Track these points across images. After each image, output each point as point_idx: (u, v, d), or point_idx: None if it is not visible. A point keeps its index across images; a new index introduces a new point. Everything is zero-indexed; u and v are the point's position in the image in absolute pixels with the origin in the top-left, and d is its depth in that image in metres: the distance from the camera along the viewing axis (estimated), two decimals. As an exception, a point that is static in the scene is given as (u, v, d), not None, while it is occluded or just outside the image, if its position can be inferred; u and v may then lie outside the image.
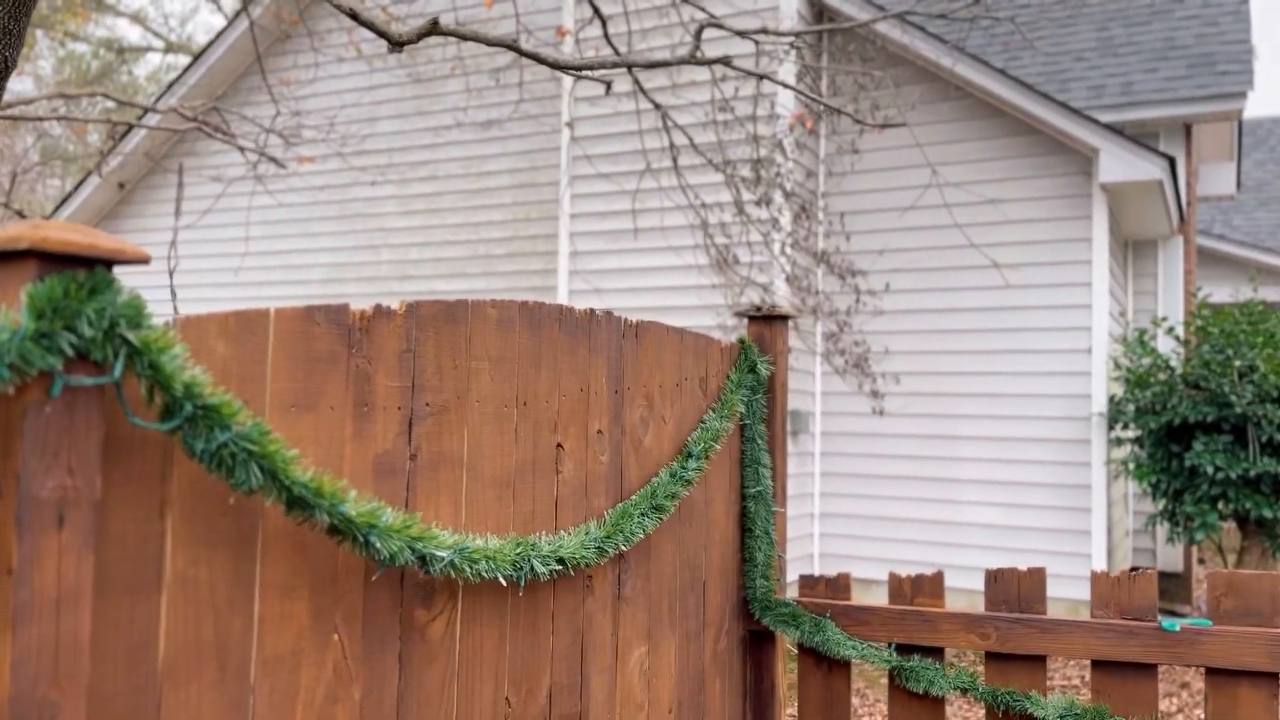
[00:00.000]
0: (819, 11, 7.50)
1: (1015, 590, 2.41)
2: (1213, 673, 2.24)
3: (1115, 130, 6.57)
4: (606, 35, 4.35)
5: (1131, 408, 6.57)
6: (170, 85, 9.70)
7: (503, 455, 1.74)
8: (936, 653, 2.49)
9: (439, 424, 1.59)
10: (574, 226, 7.71)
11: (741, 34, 4.08)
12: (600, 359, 2.03)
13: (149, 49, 23.41)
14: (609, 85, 3.82)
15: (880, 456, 7.27)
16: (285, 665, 1.32)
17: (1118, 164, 6.50)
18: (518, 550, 1.66)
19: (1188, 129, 8.53)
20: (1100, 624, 2.29)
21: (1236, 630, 2.20)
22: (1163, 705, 5.32)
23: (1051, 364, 6.80)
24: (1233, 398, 5.99)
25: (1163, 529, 8.31)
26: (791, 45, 4.25)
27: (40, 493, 0.99)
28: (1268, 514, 5.95)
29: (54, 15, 20.71)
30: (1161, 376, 6.55)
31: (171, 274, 4.14)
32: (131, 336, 1.05)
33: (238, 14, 9.46)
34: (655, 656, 2.23)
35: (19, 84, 21.39)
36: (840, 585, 2.62)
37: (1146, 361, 6.77)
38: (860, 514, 7.30)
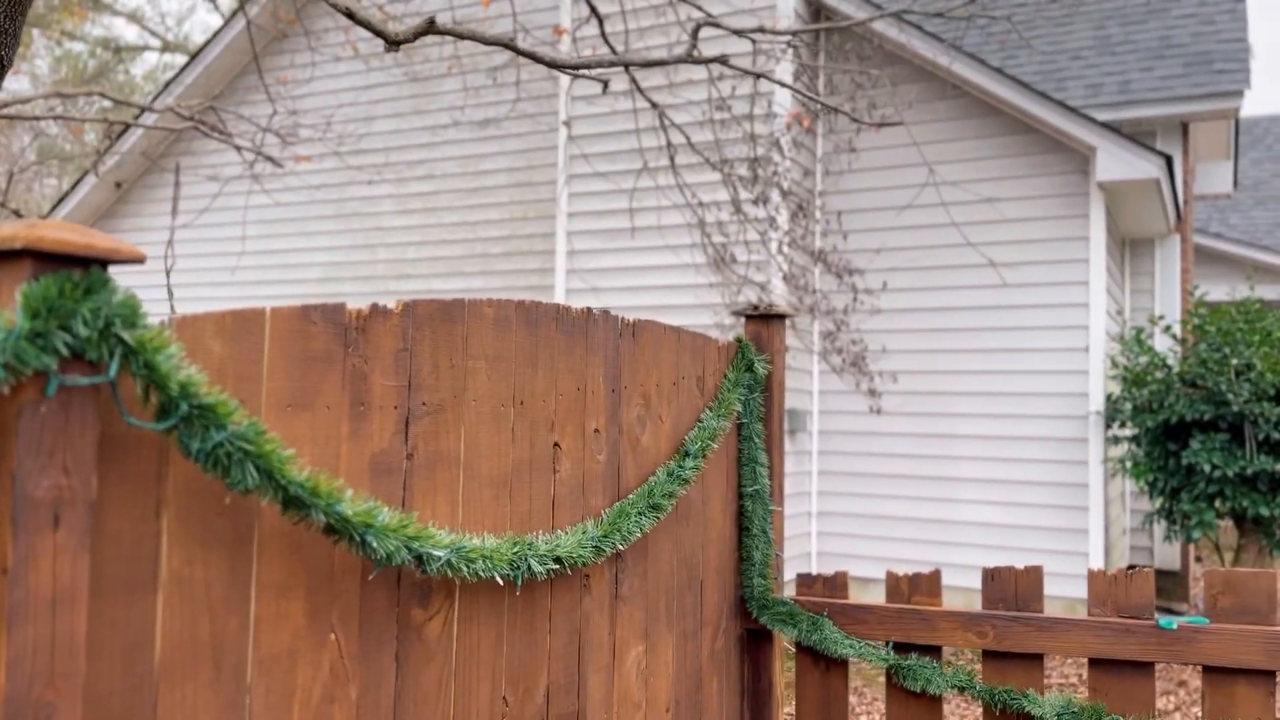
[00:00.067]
0: (816, 10, 7.50)
1: (1012, 589, 2.41)
2: (1210, 671, 2.25)
3: (1112, 129, 6.57)
4: (604, 34, 4.35)
5: (1129, 406, 6.58)
6: (167, 84, 9.69)
7: (500, 454, 1.74)
8: (934, 651, 2.49)
9: (436, 423, 1.59)
10: (571, 225, 7.71)
11: (739, 33, 4.08)
12: (597, 358, 2.03)
13: (146, 48, 23.38)
14: (606, 84, 3.82)
15: (878, 455, 7.27)
16: (282, 665, 1.31)
17: (1115, 163, 6.51)
18: (515, 549, 1.66)
19: (1185, 128, 8.54)
20: (1097, 622, 2.29)
21: (1233, 628, 2.21)
22: (1160, 703, 5.33)
23: (1049, 363, 6.81)
24: (1230, 396, 6.00)
25: (1160, 527, 8.32)
26: (789, 44, 4.25)
27: (35, 492, 0.99)
28: (1265, 512, 5.95)
29: (51, 14, 20.68)
30: (1159, 375, 6.56)
31: (168, 273, 4.14)
32: (127, 336, 1.05)
33: (234, 13, 9.45)
34: (653, 655, 2.23)
35: (15, 83, 21.35)
36: (838, 584, 2.62)
37: (1144, 360, 6.77)
38: (858, 513, 7.30)
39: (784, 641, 2.73)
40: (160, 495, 1.16)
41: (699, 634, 2.44)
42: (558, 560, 1.78)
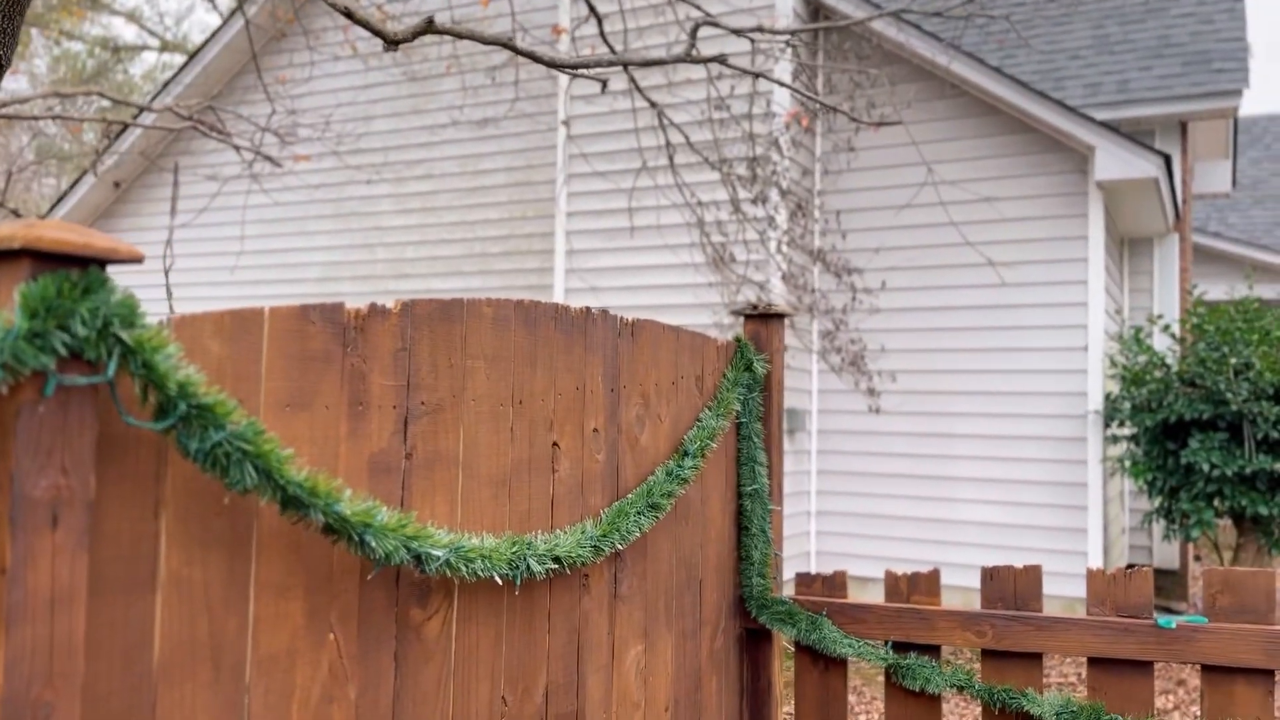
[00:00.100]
0: (815, 10, 7.50)
1: (1011, 588, 2.41)
2: (1208, 670, 2.25)
3: (1111, 128, 6.58)
4: (602, 34, 4.35)
5: (1127, 405, 6.58)
6: (166, 84, 9.69)
7: (498, 454, 1.73)
8: (933, 650, 2.49)
9: (434, 423, 1.59)
10: (570, 225, 7.71)
11: (737, 32, 4.08)
12: (596, 357, 2.03)
13: (144, 48, 23.37)
14: (605, 84, 3.82)
15: (877, 454, 7.27)
16: (280, 665, 1.31)
17: (1113, 162, 6.51)
18: (513, 549, 1.66)
19: (1183, 127, 8.54)
20: (1096, 621, 2.30)
21: (1232, 627, 2.21)
22: (1159, 702, 5.33)
23: (1047, 362, 6.81)
24: (1228, 395, 6.00)
25: (1159, 526, 8.32)
26: (787, 43, 4.25)
27: (34, 492, 0.99)
28: (1263, 511, 5.96)
29: (49, 14, 20.67)
30: (1157, 374, 6.56)
31: (167, 273, 4.14)
32: (125, 336, 1.05)
33: (233, 13, 9.45)
34: (652, 655, 2.23)
35: (14, 82, 21.34)
36: (837, 583, 2.62)
37: (1142, 359, 6.78)
38: (857, 512, 7.30)
39: (783, 641, 2.73)
40: (159, 495, 1.16)
41: (698, 633, 2.44)
42: (556, 560, 1.78)
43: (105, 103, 20.62)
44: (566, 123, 7.74)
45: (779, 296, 6.79)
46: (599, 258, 7.59)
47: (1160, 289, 8.61)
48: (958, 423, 7.03)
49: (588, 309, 2.01)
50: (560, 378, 1.91)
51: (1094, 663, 2.33)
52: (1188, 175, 8.70)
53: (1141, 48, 8.96)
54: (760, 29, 3.92)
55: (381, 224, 8.64)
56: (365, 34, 8.90)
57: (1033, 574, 2.40)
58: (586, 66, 3.34)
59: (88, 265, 1.04)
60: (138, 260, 1.07)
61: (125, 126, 9.30)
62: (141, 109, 5.21)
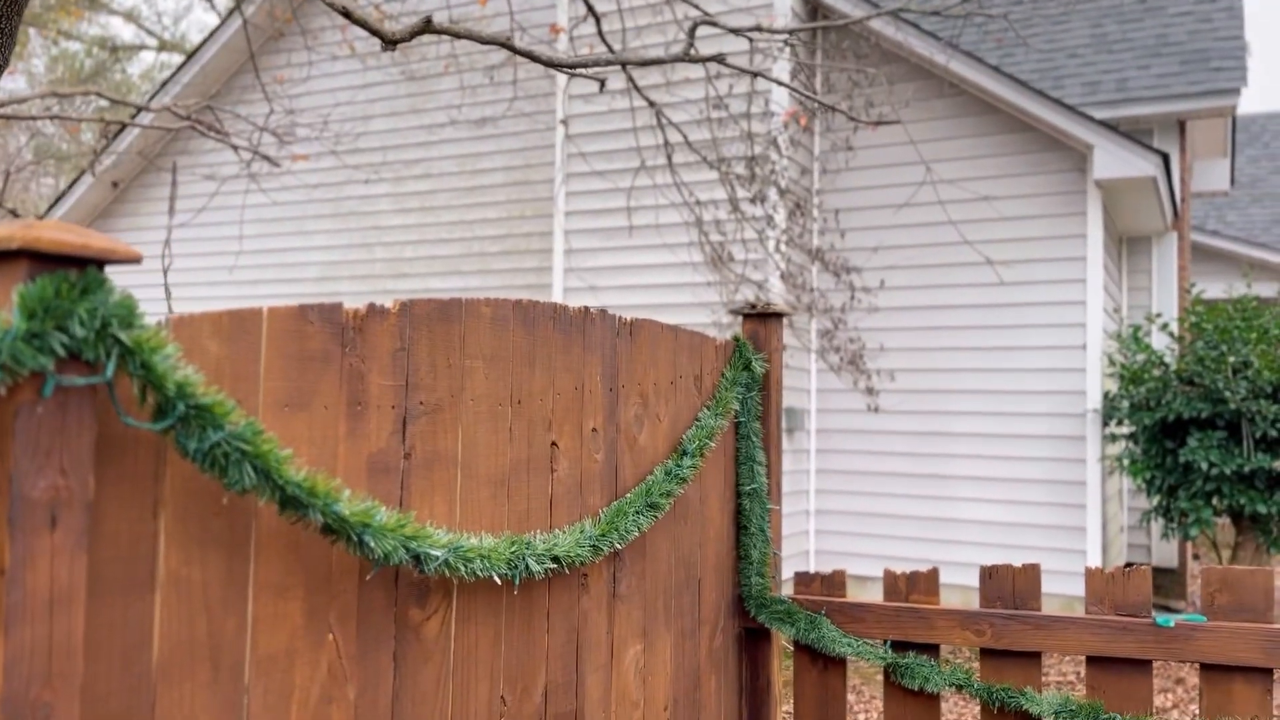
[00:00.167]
0: (813, 9, 7.50)
1: (1010, 587, 2.41)
2: (1207, 668, 2.25)
3: (1109, 127, 6.58)
4: (600, 33, 4.35)
5: (1126, 404, 6.58)
6: (164, 84, 9.68)
7: (497, 454, 1.74)
8: (932, 649, 2.49)
9: (433, 423, 1.59)
10: (569, 224, 7.71)
11: (736, 31, 4.08)
12: (595, 357, 2.03)
13: (143, 47, 23.36)
14: (603, 83, 3.82)
15: (875, 454, 7.28)
16: (280, 665, 1.31)
17: (1112, 160, 6.51)
18: (512, 549, 1.66)
19: (1182, 125, 8.55)
20: (1095, 620, 2.30)
21: (1231, 626, 2.21)
22: (1158, 701, 5.34)
23: (1046, 360, 6.82)
24: (1227, 394, 6.01)
25: (1157, 525, 8.33)
26: (785, 43, 4.25)
27: (32, 493, 0.99)
28: (1262, 509, 5.96)
29: (47, 13, 20.65)
30: (1156, 373, 6.57)
31: (166, 273, 4.14)
32: (123, 336, 1.05)
33: (231, 12, 9.44)
34: (650, 654, 2.23)
35: (11, 82, 21.33)
36: (835, 582, 2.62)
37: (1141, 358, 6.78)
38: (856, 511, 7.31)
39: (782, 640, 2.73)
40: (158, 495, 1.16)
41: (697, 633, 2.44)
42: (555, 559, 1.78)
43: (103, 102, 20.61)
44: (565, 122, 7.74)
45: (777, 296, 6.79)
46: (597, 257, 7.59)
47: (1159, 287, 8.62)
48: (956, 421, 7.03)
49: (586, 308, 2.01)
50: (559, 377, 1.91)
51: (1093, 661, 2.33)
52: (1186, 174, 8.70)
53: (1140, 46, 8.96)
54: (758, 28, 3.92)
55: (380, 223, 8.64)
56: (363, 33, 8.90)
57: (1031, 573, 2.41)
58: (585, 66, 3.34)
59: (86, 266, 1.04)
60: (136, 260, 1.07)
61: (123, 126, 9.30)
62: (139, 109, 5.21)
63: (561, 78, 7.78)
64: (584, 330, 2.00)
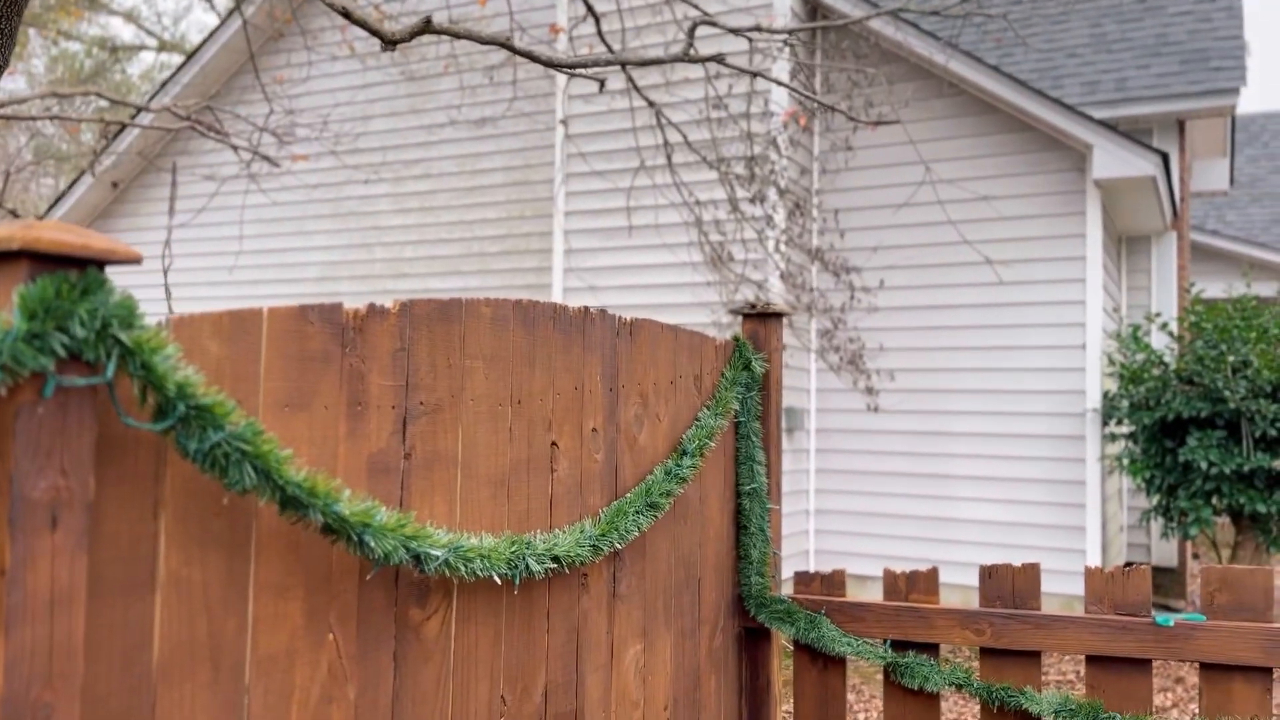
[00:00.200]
0: (813, 9, 7.50)
1: (1010, 586, 2.42)
2: (1207, 668, 2.25)
3: (1109, 126, 6.58)
4: (600, 33, 4.35)
5: (1125, 403, 6.58)
6: (164, 84, 9.69)
7: (497, 454, 1.74)
8: (931, 649, 2.49)
9: (433, 423, 1.59)
10: (568, 224, 7.71)
11: (735, 31, 4.08)
12: (595, 357, 2.03)
13: (142, 47, 23.36)
14: (602, 83, 3.82)
15: (875, 453, 7.28)
16: (280, 665, 1.32)
17: (1111, 160, 6.51)
18: (512, 549, 1.66)
19: (1181, 125, 8.55)
20: (1095, 620, 2.30)
21: (1230, 625, 2.21)
22: (1157, 700, 5.34)
23: (1046, 360, 6.82)
24: (1226, 393, 6.01)
25: (1157, 524, 8.33)
26: (785, 43, 4.25)
27: (33, 494, 0.99)
28: (1261, 509, 5.96)
29: (47, 14, 20.65)
30: (1155, 372, 6.57)
31: (166, 273, 4.14)
32: (124, 337, 1.05)
33: (231, 12, 9.44)
34: (650, 654, 2.23)
35: (11, 82, 21.32)
36: (835, 582, 2.63)
37: (1140, 357, 6.78)
38: (855, 510, 7.31)
39: (782, 639, 2.73)
40: (158, 496, 1.16)
41: (697, 632, 2.45)
42: (555, 559, 1.78)
43: (103, 103, 20.61)
44: (564, 122, 7.74)
45: (777, 295, 6.80)
46: (597, 257, 7.59)
47: (1158, 287, 8.62)
48: (956, 421, 7.03)
49: (586, 308, 2.01)
50: (559, 377, 1.91)
51: (1092, 661, 2.33)
52: (1185, 173, 8.70)
53: (1139, 46, 8.97)
54: (758, 28, 3.92)
55: (380, 224, 8.64)
56: (363, 34, 8.90)
57: (1031, 572, 2.41)
58: (584, 66, 3.35)
59: (86, 266, 1.04)
60: (136, 261, 1.07)
61: (123, 127, 9.30)
62: (139, 109, 5.21)
63: (561, 78, 7.78)
64: (584, 330, 2.00)
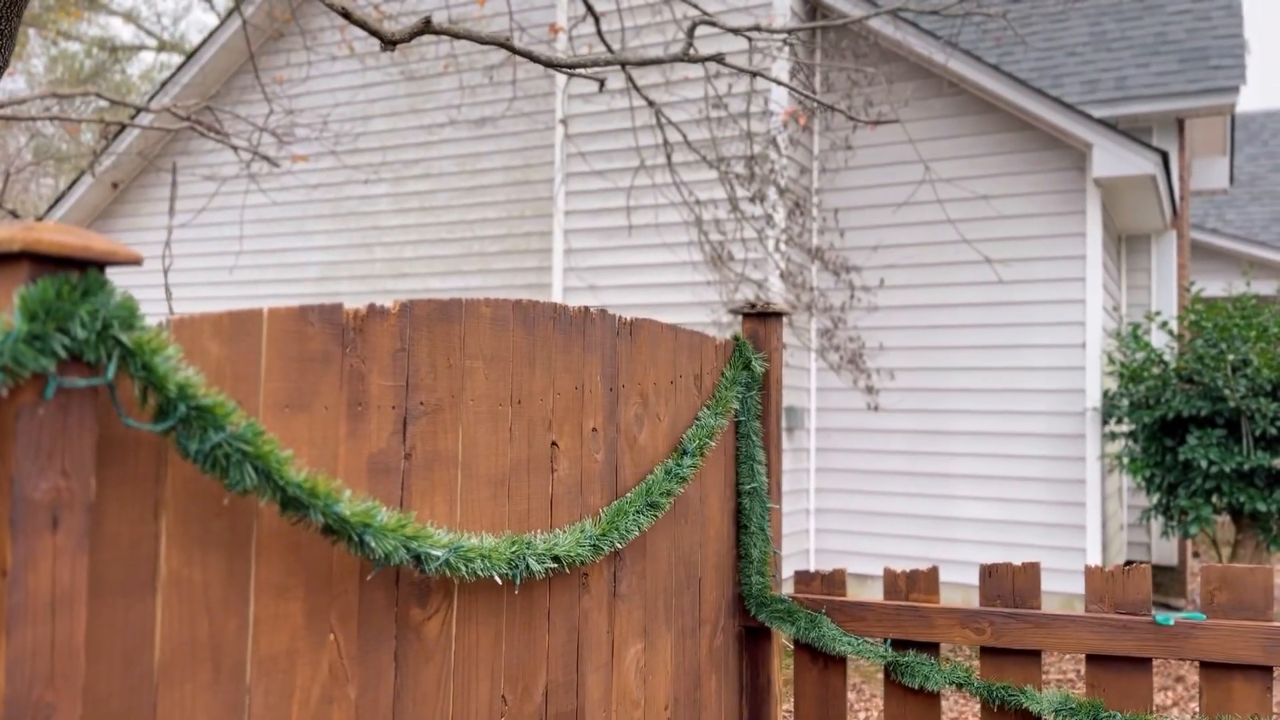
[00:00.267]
0: (812, 8, 7.50)
1: (1010, 585, 2.42)
2: (1207, 666, 2.25)
3: (1108, 125, 6.58)
4: (600, 32, 4.35)
5: (1125, 402, 6.59)
6: (163, 84, 9.69)
7: (497, 454, 1.74)
8: (932, 648, 2.50)
9: (433, 423, 1.59)
10: (568, 224, 7.71)
11: (735, 31, 4.08)
12: (595, 357, 2.03)
13: (142, 48, 23.36)
14: (602, 83, 3.82)
15: (875, 452, 7.28)
16: (280, 665, 1.32)
17: (1111, 159, 6.51)
18: (513, 549, 1.66)
19: (1181, 124, 8.55)
20: (1095, 619, 2.30)
21: (1230, 624, 2.21)
22: (1158, 699, 5.34)
23: (1046, 359, 6.82)
24: (1226, 392, 6.01)
25: (1157, 523, 8.33)
26: (785, 42, 4.25)
27: (34, 495, 0.99)
28: (1261, 507, 5.97)
29: (47, 14, 20.65)
30: (1155, 371, 6.57)
31: (166, 273, 4.14)
32: (124, 338, 1.05)
33: (230, 13, 9.44)
34: (651, 653, 2.23)
35: (11, 83, 21.33)
36: (835, 581, 2.63)
37: (1140, 356, 6.78)
38: (856, 510, 7.31)
39: (782, 639, 2.74)
40: (159, 497, 1.16)
41: (697, 632, 2.45)
42: (556, 559, 1.78)
43: (103, 103, 20.61)
44: (564, 122, 7.74)
45: (777, 295, 6.80)
46: (597, 257, 7.59)
47: (1158, 286, 8.62)
48: (956, 420, 7.03)
49: (586, 308, 2.02)
50: (559, 377, 1.92)
51: (1093, 659, 2.33)
52: (1185, 172, 8.70)
53: (1139, 45, 8.97)
54: (757, 28, 3.93)
55: (380, 224, 8.64)
56: (362, 34, 8.90)
57: (1031, 571, 2.41)
58: (584, 66, 3.35)
59: (87, 268, 1.04)
60: (137, 263, 1.07)
61: (123, 127, 9.30)
62: (139, 109, 5.21)
63: (561, 78, 7.78)
64: (584, 330, 2.00)
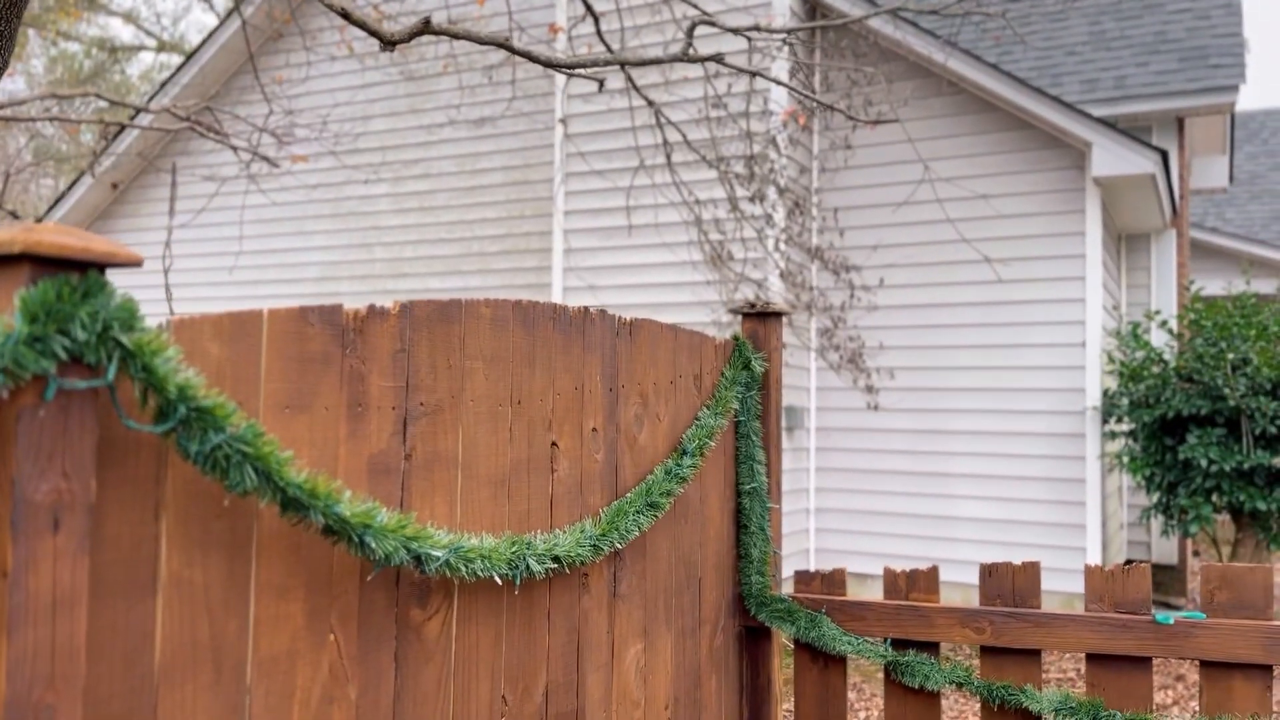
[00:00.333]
0: (812, 8, 7.50)
1: (1010, 584, 2.42)
2: (1207, 665, 2.26)
3: (1108, 124, 6.58)
4: (599, 32, 4.35)
5: (1125, 401, 6.59)
6: (163, 85, 9.69)
7: (497, 454, 1.74)
8: (932, 647, 2.50)
9: (433, 424, 1.59)
10: (568, 224, 7.71)
11: (734, 31, 4.08)
12: (595, 357, 2.04)
13: (141, 48, 23.35)
14: (602, 83, 3.82)
15: (875, 451, 7.28)
16: (281, 666, 1.32)
17: (1110, 158, 6.51)
18: (513, 549, 1.66)
19: (1180, 123, 8.55)
20: (1095, 618, 2.30)
21: (1230, 623, 2.21)
22: (1158, 698, 5.34)
23: (1045, 358, 6.82)
24: (1226, 390, 6.01)
25: (1157, 522, 8.33)
26: (784, 42, 4.25)
27: (35, 496, 0.99)
28: (1261, 506, 5.97)
29: (46, 14, 20.65)
30: (1155, 370, 6.57)
31: (166, 273, 4.14)
32: (125, 339, 1.05)
33: (230, 13, 9.44)
34: (651, 653, 2.23)
35: (11, 83, 21.33)
36: (836, 581, 2.63)
37: (1140, 355, 6.78)
38: (856, 509, 7.31)
39: (782, 638, 2.74)
40: (159, 498, 1.16)
41: (697, 632, 2.45)
42: (556, 559, 1.78)
43: (102, 103, 20.62)
44: (564, 122, 7.74)
45: (777, 294, 6.80)
46: (597, 257, 7.59)
47: (1158, 285, 8.62)
48: (956, 419, 7.04)
49: (586, 308, 2.02)
50: (559, 378, 1.92)
51: (1093, 659, 2.34)
52: (1185, 171, 8.71)
53: (1138, 44, 8.97)
54: (757, 28, 3.93)
55: (379, 224, 8.64)
56: (362, 34, 8.90)
57: (1031, 570, 2.41)
58: (583, 66, 3.35)
59: (87, 269, 1.04)
60: (137, 264, 1.07)
61: (123, 127, 9.30)
62: (139, 110, 5.21)
63: (560, 78, 7.78)
64: (584, 330, 2.00)
